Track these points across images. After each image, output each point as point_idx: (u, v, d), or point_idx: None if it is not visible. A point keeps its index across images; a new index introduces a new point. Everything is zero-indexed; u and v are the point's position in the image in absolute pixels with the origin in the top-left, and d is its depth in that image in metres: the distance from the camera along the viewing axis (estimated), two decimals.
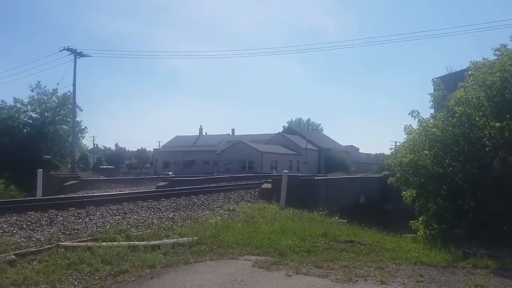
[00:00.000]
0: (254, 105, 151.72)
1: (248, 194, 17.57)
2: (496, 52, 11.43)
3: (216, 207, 13.50)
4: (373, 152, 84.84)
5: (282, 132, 73.07)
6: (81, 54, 38.08)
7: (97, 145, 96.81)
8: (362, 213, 21.67)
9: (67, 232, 8.15)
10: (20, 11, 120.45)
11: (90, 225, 9.00)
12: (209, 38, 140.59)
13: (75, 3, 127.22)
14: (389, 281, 5.90)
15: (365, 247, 8.27)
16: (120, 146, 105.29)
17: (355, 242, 8.62)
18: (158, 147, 78.41)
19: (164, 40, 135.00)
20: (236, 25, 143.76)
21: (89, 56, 39.03)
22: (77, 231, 8.31)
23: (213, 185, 20.75)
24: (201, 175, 31.06)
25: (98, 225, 9.04)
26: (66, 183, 22.23)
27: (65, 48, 36.94)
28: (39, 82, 48.85)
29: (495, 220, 10.21)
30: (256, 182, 22.41)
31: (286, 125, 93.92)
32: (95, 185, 23.75)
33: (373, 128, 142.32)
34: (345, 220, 13.33)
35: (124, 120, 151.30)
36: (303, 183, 17.35)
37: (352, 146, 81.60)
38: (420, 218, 11.97)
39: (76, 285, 5.50)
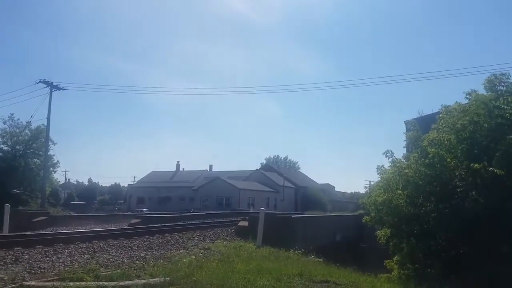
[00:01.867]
0: (233, 142, 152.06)
1: (225, 232, 17.30)
2: (468, 96, 11.92)
3: (191, 246, 13.20)
4: (348, 191, 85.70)
5: (260, 169, 73.23)
6: (57, 87, 37.76)
7: (69, 180, 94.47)
8: (338, 252, 21.60)
9: (33, 271, 7.77)
10: None
11: (57, 264, 8.62)
12: (189, 75, 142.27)
13: (53, 35, 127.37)
14: None
15: (341, 287, 8.20)
16: (93, 181, 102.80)
17: (330, 282, 8.53)
18: (133, 183, 76.93)
19: (143, 75, 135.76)
20: (215, 64, 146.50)
21: (66, 89, 38.71)
22: (43, 270, 7.94)
23: (188, 223, 20.36)
24: (176, 212, 30.45)
25: (65, 264, 8.67)
26: (35, 219, 21.45)
27: (41, 80, 36.59)
28: (12, 114, 47.75)
29: (467, 261, 10.36)
30: (233, 219, 22.14)
31: (264, 162, 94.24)
32: (65, 222, 23.03)
33: (348, 167, 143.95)
34: (321, 259, 13.26)
35: (98, 154, 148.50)
36: (280, 221, 17.25)
37: (328, 184, 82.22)
38: (395, 258, 12.03)
39: None
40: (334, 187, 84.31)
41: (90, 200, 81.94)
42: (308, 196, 64.81)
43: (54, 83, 37.47)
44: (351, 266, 11.58)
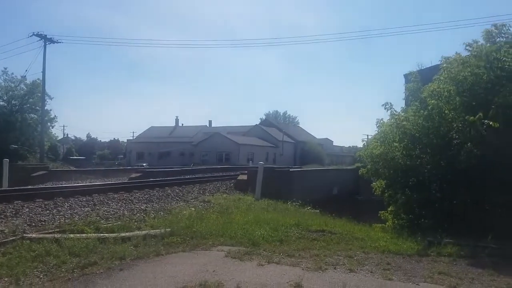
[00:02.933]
0: (232, 97, 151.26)
1: (224, 185, 17.55)
2: (468, 48, 11.61)
3: (191, 199, 13.43)
4: (347, 145, 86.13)
5: (259, 124, 73.12)
6: (51, 40, 36.89)
7: (67, 135, 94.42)
8: (335, 204, 22.01)
9: (33, 224, 7.94)
10: None
11: (57, 216, 8.78)
12: (187, 28, 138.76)
13: None
14: (357, 269, 6.05)
15: (336, 236, 8.44)
16: (92, 137, 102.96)
17: (326, 232, 8.77)
18: (132, 138, 77.11)
19: (139, 29, 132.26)
20: (216, 16, 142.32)
21: (60, 42, 37.83)
22: (43, 223, 8.11)
23: (188, 177, 20.61)
24: (177, 166, 30.76)
25: (66, 216, 8.84)
26: (34, 174, 21.67)
27: (35, 33, 35.73)
28: (6, 68, 47.23)
29: (460, 211, 10.57)
30: (232, 173, 22.40)
31: (264, 117, 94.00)
32: (65, 176, 23.27)
33: (347, 121, 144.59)
34: (318, 211, 13.56)
35: (96, 109, 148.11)
36: (278, 174, 17.45)
37: (326, 139, 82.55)
38: (389, 209, 12.26)
39: (41, 278, 5.37)
40: (333, 142, 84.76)
41: (90, 155, 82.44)
42: (306, 151, 65.25)
43: (48, 36, 36.59)
44: (347, 217, 11.86)
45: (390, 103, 11.50)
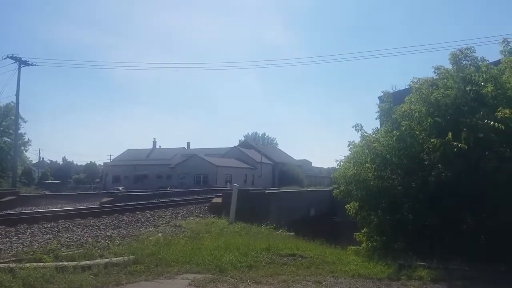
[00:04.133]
0: (211, 119, 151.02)
1: (198, 209, 17.21)
2: (436, 71, 11.89)
3: (162, 224, 13.07)
4: (326, 166, 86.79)
5: (237, 146, 73.07)
6: (25, 63, 36.39)
7: (43, 158, 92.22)
8: (312, 225, 21.92)
9: None
10: None
11: (16, 244, 8.35)
12: (166, 50, 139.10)
13: (22, 9, 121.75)
14: None
15: (306, 260, 8.27)
16: (67, 160, 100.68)
17: (297, 256, 8.60)
18: (109, 161, 75.73)
19: (117, 51, 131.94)
20: (193, 39, 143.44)
21: (35, 65, 37.32)
22: None
23: (162, 200, 20.21)
24: (151, 190, 30.15)
25: (24, 244, 8.41)
26: (3, 199, 20.77)
27: (9, 56, 35.20)
28: None
29: (432, 233, 10.59)
30: (209, 196, 22.07)
31: (243, 139, 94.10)
32: (35, 202, 22.42)
33: (326, 142, 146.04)
34: (293, 233, 13.38)
35: (73, 133, 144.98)
36: (253, 196, 17.26)
37: (305, 160, 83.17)
38: (362, 231, 12.20)
39: None
40: (311, 163, 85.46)
41: (65, 179, 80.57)
42: (285, 172, 65.42)
43: (23, 59, 36.11)
44: (324, 239, 11.71)
45: (361, 125, 11.62)
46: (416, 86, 11.26)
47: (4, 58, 35.29)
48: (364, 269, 7.69)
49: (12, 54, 35.34)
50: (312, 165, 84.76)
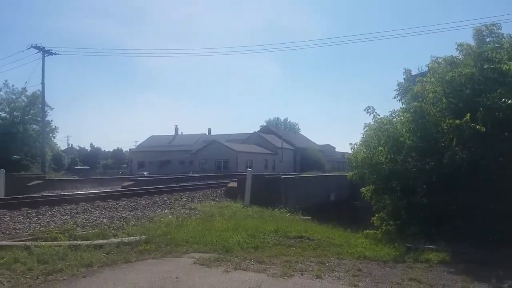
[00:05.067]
0: (232, 105, 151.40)
1: (214, 193, 17.51)
2: (459, 48, 11.51)
3: (177, 206, 13.38)
4: (350, 151, 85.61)
5: (258, 131, 73.09)
6: (49, 52, 37.12)
7: (71, 145, 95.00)
8: (332, 210, 21.92)
9: (7, 232, 7.93)
10: None
11: (33, 224, 8.77)
12: (186, 37, 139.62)
13: (44, 2, 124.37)
14: (324, 276, 5.95)
15: (313, 243, 8.34)
16: (95, 146, 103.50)
17: (304, 238, 8.68)
18: (134, 147, 77.34)
19: (139, 39, 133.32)
20: (214, 25, 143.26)
21: (58, 54, 38.03)
22: (18, 231, 8.10)
23: (180, 185, 20.61)
24: (172, 175, 30.78)
25: (42, 224, 8.82)
26: (30, 183, 21.69)
27: (33, 45, 35.95)
28: (6, 81, 47.61)
29: (447, 216, 10.43)
30: (226, 181, 22.34)
31: (264, 124, 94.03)
32: (61, 186, 23.32)
33: (351, 126, 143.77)
34: (309, 217, 13.42)
35: (99, 120, 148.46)
36: (268, 181, 17.41)
37: (328, 145, 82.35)
38: (377, 215, 12.14)
39: (4, 284, 5.33)
40: (335, 148, 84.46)
41: (94, 164, 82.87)
42: (306, 157, 65.10)
43: (46, 48, 36.87)
44: (344, 224, 11.69)
45: (373, 107, 11.44)
46: (432, 66, 10.95)
47: (28, 48, 36.11)
48: (371, 252, 7.69)
49: (36, 44, 36.18)
50: (336, 150, 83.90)
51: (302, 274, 5.97)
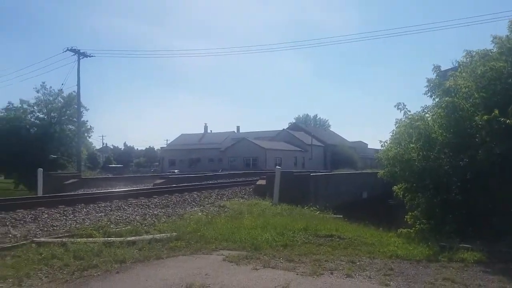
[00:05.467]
0: (260, 102, 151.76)
1: (243, 190, 17.57)
2: (494, 40, 11.11)
3: (207, 204, 13.53)
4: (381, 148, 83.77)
5: (287, 128, 72.77)
6: (84, 55, 38.39)
7: (106, 144, 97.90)
8: (365, 209, 21.51)
9: (45, 229, 8.25)
10: (20, 13, 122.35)
11: (70, 222, 9.08)
12: (215, 36, 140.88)
13: (74, 4, 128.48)
14: (355, 275, 5.87)
15: (344, 241, 8.23)
16: (128, 145, 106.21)
17: (334, 236, 8.58)
18: (165, 146, 78.85)
19: (168, 39, 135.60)
20: (240, 23, 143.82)
21: (93, 56, 39.29)
22: (55, 228, 8.41)
23: (210, 182, 20.82)
24: (201, 172, 31.15)
25: (78, 222, 9.12)
26: (67, 182, 22.47)
27: (69, 48, 37.24)
28: (43, 83, 49.22)
29: (483, 215, 10.07)
30: (255, 179, 22.37)
31: (294, 121, 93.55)
32: (96, 184, 24.01)
33: (385, 122, 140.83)
34: (340, 216, 13.23)
35: (132, 119, 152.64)
36: (297, 179, 17.28)
37: (360, 142, 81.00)
38: (410, 213, 11.86)
39: (42, 279, 5.56)
40: (367, 145, 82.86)
41: (127, 163, 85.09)
42: (337, 154, 64.30)
43: (81, 51, 38.10)
44: (377, 223, 11.47)
45: (403, 103, 11.16)
46: (464, 60, 10.59)
47: (64, 51, 37.44)
48: (404, 251, 7.52)
49: (72, 47, 37.42)
50: (368, 147, 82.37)
51: (332, 273, 5.90)
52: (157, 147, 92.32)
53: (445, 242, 8.04)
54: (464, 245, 7.77)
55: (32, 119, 49.12)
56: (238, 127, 77.35)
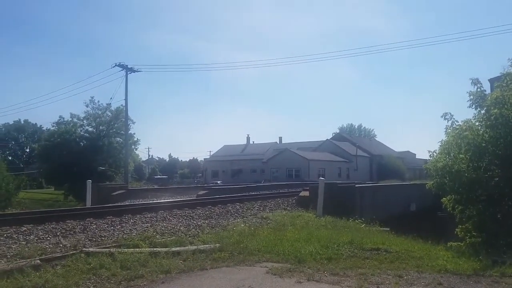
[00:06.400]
0: (303, 113, 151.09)
1: (286, 202, 17.45)
2: None
3: (249, 215, 13.55)
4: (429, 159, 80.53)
5: (330, 139, 71.81)
6: (132, 70, 39.97)
7: (152, 156, 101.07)
8: (413, 222, 20.71)
9: (94, 239, 8.57)
10: (72, 31, 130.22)
11: (117, 232, 9.38)
12: (258, 47, 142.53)
13: (124, 21, 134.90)
14: None
15: (391, 255, 7.97)
16: (173, 157, 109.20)
17: (381, 250, 8.33)
18: (208, 157, 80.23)
19: (211, 52, 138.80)
20: (283, 34, 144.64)
21: (140, 71, 40.79)
22: (103, 238, 8.72)
23: (252, 193, 20.87)
24: (243, 184, 31.30)
25: (125, 232, 9.41)
26: (114, 193, 23.37)
27: (117, 64, 38.90)
28: (92, 97, 51.66)
29: None
30: (298, 190, 22.15)
31: (337, 131, 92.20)
32: (142, 194, 24.78)
33: (433, 132, 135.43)
34: (387, 229, 12.81)
35: (176, 131, 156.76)
36: (342, 190, 16.95)
37: (408, 152, 78.38)
38: (461, 226, 11.28)
39: None
40: (415, 155, 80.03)
41: (172, 174, 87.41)
42: (384, 165, 62.47)
43: (129, 66, 39.75)
44: (426, 236, 11.03)
45: (450, 113, 10.75)
46: (506, 71, 10.07)
47: (113, 67, 39.20)
48: (453, 265, 7.19)
49: (120, 62, 39.12)
50: (417, 157, 79.46)
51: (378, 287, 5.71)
52: (200, 158, 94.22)
53: (497, 256, 7.61)
54: None
55: (81, 133, 51.81)
56: (280, 138, 77.37)
